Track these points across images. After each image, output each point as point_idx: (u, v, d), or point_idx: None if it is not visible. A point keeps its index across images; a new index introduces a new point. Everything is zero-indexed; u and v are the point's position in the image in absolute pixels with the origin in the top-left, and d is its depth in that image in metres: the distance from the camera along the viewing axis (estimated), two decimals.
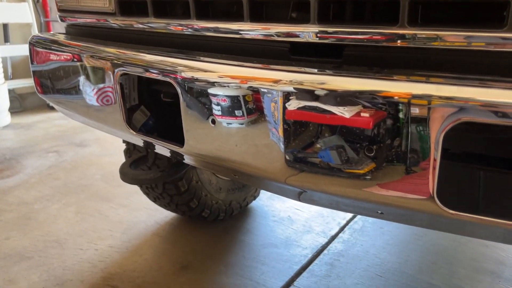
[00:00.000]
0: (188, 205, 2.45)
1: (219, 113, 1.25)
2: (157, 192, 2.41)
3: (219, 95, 1.24)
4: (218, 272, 2.26)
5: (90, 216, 2.84)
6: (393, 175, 1.01)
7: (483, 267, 2.38)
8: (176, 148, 1.28)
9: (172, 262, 2.34)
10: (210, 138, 1.25)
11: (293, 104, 1.13)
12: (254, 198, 2.92)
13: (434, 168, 0.93)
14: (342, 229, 2.73)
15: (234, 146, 1.26)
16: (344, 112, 1.04)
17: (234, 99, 1.20)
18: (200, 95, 1.24)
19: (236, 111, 1.21)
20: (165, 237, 2.59)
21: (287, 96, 1.09)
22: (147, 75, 1.30)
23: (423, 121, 0.93)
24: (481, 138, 1.00)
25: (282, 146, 1.13)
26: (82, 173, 3.55)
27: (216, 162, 1.33)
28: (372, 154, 1.01)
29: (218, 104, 1.24)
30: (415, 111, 0.94)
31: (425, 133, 0.94)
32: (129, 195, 3.08)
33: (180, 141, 1.26)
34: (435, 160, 0.93)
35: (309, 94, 1.05)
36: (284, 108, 1.10)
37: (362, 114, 1.01)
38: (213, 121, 1.19)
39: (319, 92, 1.03)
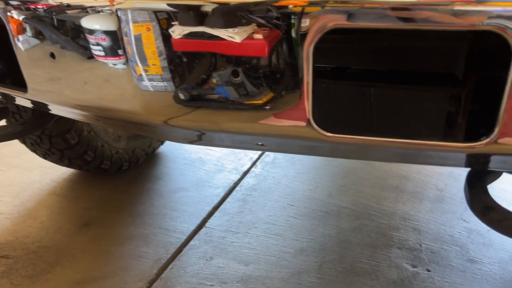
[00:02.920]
0: (83, 159, 2.23)
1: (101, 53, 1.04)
2: (44, 147, 2.15)
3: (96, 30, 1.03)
4: (125, 224, 2.12)
5: None
6: (287, 102, 0.90)
7: (388, 183, 2.48)
8: (20, 94, 1.06)
9: (72, 221, 2.15)
10: (56, 78, 1.05)
11: (177, 31, 0.95)
12: (162, 143, 2.76)
13: (307, 88, 0.83)
14: (254, 163, 2.68)
15: (95, 87, 1.07)
16: (235, 36, 0.89)
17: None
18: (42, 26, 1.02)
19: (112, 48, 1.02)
20: (64, 195, 2.37)
21: (168, 21, 0.91)
22: None
23: (303, 36, 0.81)
24: (354, 51, 0.91)
25: (170, 84, 0.97)
26: None
27: (84, 109, 1.14)
28: (269, 81, 0.88)
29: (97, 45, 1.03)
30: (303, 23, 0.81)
31: (301, 49, 0.82)
32: (20, 153, 2.75)
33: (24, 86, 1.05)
34: (307, 80, 0.82)
35: (192, 13, 0.88)
36: (167, 37, 0.92)
37: (255, 35, 0.86)
38: (53, 55, 0.98)
39: (204, 9, 0.86)
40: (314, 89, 0.81)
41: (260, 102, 0.91)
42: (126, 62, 0.99)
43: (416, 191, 2.40)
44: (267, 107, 0.90)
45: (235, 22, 0.86)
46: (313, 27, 0.76)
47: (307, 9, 0.78)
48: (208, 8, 0.87)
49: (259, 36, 0.84)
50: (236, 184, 2.47)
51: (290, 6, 0.80)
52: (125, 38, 0.97)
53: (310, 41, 0.76)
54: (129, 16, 0.97)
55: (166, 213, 2.20)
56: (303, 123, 0.88)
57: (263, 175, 2.56)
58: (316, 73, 0.81)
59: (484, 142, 0.77)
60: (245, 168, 2.63)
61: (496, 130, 0.76)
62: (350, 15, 0.73)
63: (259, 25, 0.86)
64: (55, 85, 1.15)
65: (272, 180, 2.51)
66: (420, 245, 1.99)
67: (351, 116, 0.92)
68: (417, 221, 2.15)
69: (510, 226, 0.92)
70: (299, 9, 0.79)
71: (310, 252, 1.94)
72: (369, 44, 0.88)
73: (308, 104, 0.83)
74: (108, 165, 2.37)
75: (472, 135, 0.84)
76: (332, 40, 0.83)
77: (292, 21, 0.81)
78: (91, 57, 1.11)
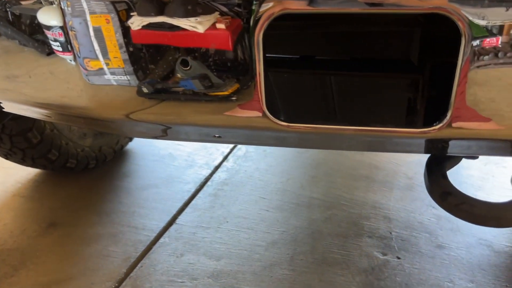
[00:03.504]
0: (47, 158, 2.16)
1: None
2: (5, 147, 2.07)
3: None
4: (91, 223, 2.07)
5: None
6: (249, 92, 0.88)
7: (359, 173, 2.49)
8: None
9: (37, 222, 2.09)
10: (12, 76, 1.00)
11: (136, 22, 0.91)
12: (130, 139, 2.70)
13: (259, 78, 0.81)
14: (225, 158, 2.66)
15: (55, 83, 1.02)
16: (197, 26, 0.85)
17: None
18: None
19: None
20: (29, 196, 2.29)
21: (127, 12, 0.87)
22: None
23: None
24: (308, 39, 0.89)
25: (133, 78, 0.93)
26: None
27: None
28: (233, 71, 0.85)
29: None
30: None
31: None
32: None
33: None
34: (259, 70, 0.80)
35: (151, 2, 0.85)
36: (127, 29, 0.88)
37: (218, 25, 0.83)
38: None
39: None
40: (267, 79, 0.79)
41: (225, 93, 0.88)
42: (74, 58, 0.95)
43: (386, 180, 2.41)
44: (233, 98, 0.87)
45: (197, 11, 0.83)
46: (263, 14, 0.74)
47: None
48: None
49: (221, 25, 0.81)
50: (207, 179, 2.43)
51: None
52: (71, 33, 0.93)
53: (259, 29, 0.74)
54: (85, 7, 0.93)
55: (134, 211, 2.16)
56: (259, 114, 0.86)
57: (235, 169, 2.53)
58: (270, 62, 0.79)
59: (437, 127, 0.76)
60: (216, 162, 2.60)
61: (449, 115, 0.75)
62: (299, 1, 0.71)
63: (222, 14, 0.83)
64: (11, 83, 1.10)
65: (244, 174, 2.49)
66: (390, 233, 2.00)
67: (306, 105, 0.90)
68: (388, 210, 2.16)
69: (467, 210, 0.92)
70: None
71: (281, 245, 1.93)
72: (324, 32, 0.86)
73: (261, 95, 0.81)
74: (74, 163, 2.30)
75: (429, 121, 0.83)
76: (285, 28, 0.81)
77: (253, 7, 0.78)
78: (50, 53, 1.06)
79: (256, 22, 0.75)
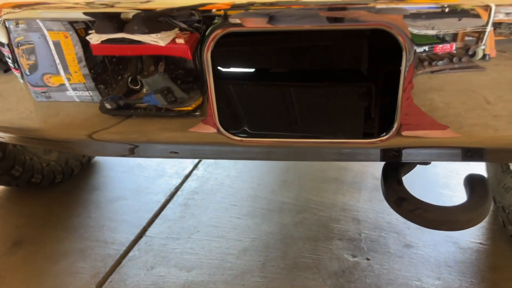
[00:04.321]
0: (10, 174, 2.10)
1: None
2: None
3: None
4: (59, 240, 2.02)
5: None
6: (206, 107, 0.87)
7: (328, 175, 2.52)
8: None
9: (1, 240, 2.03)
10: None
11: (95, 38, 0.90)
12: None
13: (211, 95, 0.81)
14: (196, 166, 2.64)
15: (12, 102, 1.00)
16: (159, 41, 0.85)
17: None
18: None
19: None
20: None
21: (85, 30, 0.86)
22: None
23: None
24: (259, 53, 0.90)
25: (96, 93, 0.91)
26: None
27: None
28: (196, 86, 0.85)
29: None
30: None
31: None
32: None
33: None
34: (210, 87, 0.80)
35: (109, 22, 0.83)
36: (87, 43, 0.87)
37: (177, 40, 0.82)
38: None
39: (124, 16, 0.81)
40: (219, 95, 0.79)
41: (189, 108, 0.88)
42: (21, 76, 0.93)
43: (355, 181, 2.45)
44: (196, 113, 0.87)
45: (158, 27, 0.82)
46: (209, 33, 0.74)
47: (230, 12, 0.76)
48: (129, 15, 0.82)
49: (181, 40, 0.81)
50: (177, 188, 2.42)
51: (213, 10, 0.77)
52: (16, 50, 0.91)
53: (207, 48, 0.74)
54: (42, 25, 0.91)
55: (103, 225, 2.12)
56: (214, 130, 0.86)
57: (205, 177, 2.52)
58: (223, 76, 0.79)
59: (384, 138, 0.78)
60: (186, 171, 2.58)
61: (395, 125, 0.77)
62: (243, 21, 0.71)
63: (181, 30, 0.83)
64: None
65: (215, 182, 2.48)
66: (360, 234, 2.03)
67: (259, 119, 0.91)
68: (357, 211, 2.19)
69: (421, 215, 0.94)
70: (222, 12, 0.77)
71: (253, 252, 1.93)
72: (274, 45, 0.87)
73: (214, 111, 0.81)
74: (40, 178, 2.25)
75: (382, 130, 0.85)
76: (234, 43, 0.81)
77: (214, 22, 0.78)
78: (7, 69, 1.03)
79: (205, 41, 0.75)
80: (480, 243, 1.96)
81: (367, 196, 2.31)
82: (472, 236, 1.99)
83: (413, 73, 0.74)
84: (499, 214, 2.01)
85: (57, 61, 0.96)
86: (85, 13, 0.82)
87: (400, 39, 0.70)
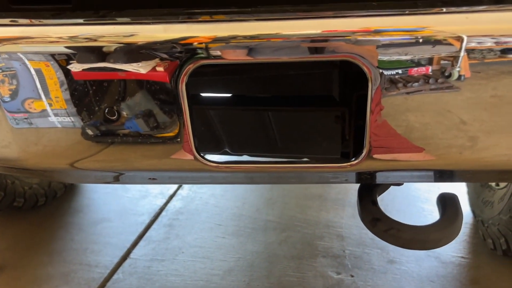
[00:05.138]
0: None
1: None
2: None
3: None
4: (42, 264, 2.00)
5: None
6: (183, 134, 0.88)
7: (312, 192, 2.54)
8: None
9: None
10: None
11: (76, 67, 0.91)
12: None
13: (187, 123, 0.83)
14: (180, 186, 2.64)
15: None
16: (140, 69, 0.86)
17: None
18: None
19: None
20: None
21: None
22: None
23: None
24: (235, 81, 0.93)
25: (77, 119, 0.92)
26: None
27: None
28: (176, 113, 0.86)
29: None
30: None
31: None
32: None
33: None
34: (185, 116, 0.82)
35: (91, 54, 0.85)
36: (68, 70, 0.88)
37: (157, 68, 0.84)
38: None
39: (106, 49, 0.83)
40: (194, 123, 0.81)
41: (171, 134, 0.89)
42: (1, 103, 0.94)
43: (338, 198, 2.47)
44: (175, 140, 0.88)
45: (140, 58, 0.84)
46: (184, 65, 0.77)
47: (211, 45, 0.78)
48: (111, 48, 0.84)
49: (161, 68, 0.83)
50: (162, 209, 2.41)
51: (195, 43, 0.80)
52: None
53: (182, 80, 0.77)
54: (22, 56, 0.92)
55: (87, 248, 2.10)
56: (190, 156, 0.87)
57: (190, 197, 2.52)
58: (196, 105, 0.81)
59: (354, 162, 0.80)
60: (171, 191, 2.58)
61: (365, 150, 0.80)
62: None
63: (162, 59, 0.85)
64: None
65: (200, 201, 2.48)
66: (344, 251, 2.05)
67: (234, 145, 0.93)
68: (340, 228, 2.21)
69: (395, 235, 0.97)
70: (203, 45, 0.79)
71: (238, 272, 1.93)
72: (248, 75, 0.90)
73: (190, 138, 0.83)
74: (22, 202, 2.23)
75: (353, 154, 0.87)
76: (209, 73, 0.84)
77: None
78: None
79: (180, 72, 0.78)
80: (462, 257, 1.99)
81: (351, 213, 2.33)
82: (453, 250, 2.02)
83: (380, 100, 0.77)
84: (479, 227, 2.05)
85: (39, 86, 0.97)
86: (67, 47, 0.83)
87: (365, 68, 0.73)
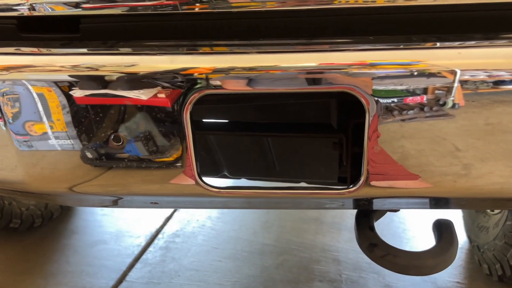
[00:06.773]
0: None
1: None
2: None
3: None
4: (37, 287, 1.98)
5: None
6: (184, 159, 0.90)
7: (309, 216, 2.55)
8: None
9: None
10: None
11: (79, 93, 0.94)
12: None
13: (190, 150, 0.85)
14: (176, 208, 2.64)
15: None
16: (141, 96, 0.89)
17: None
18: None
19: None
20: None
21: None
22: None
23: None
24: (235, 109, 0.96)
25: (77, 142, 0.94)
26: None
27: None
28: (176, 138, 0.88)
29: None
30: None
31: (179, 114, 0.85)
32: None
33: None
34: (189, 143, 0.85)
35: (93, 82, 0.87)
36: (69, 94, 0.90)
37: (159, 95, 0.87)
38: None
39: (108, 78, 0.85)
40: (197, 148, 0.83)
41: (170, 159, 0.91)
42: (4, 124, 0.95)
43: (334, 222, 2.48)
44: (177, 165, 0.89)
45: (141, 86, 0.87)
46: (188, 95, 0.79)
47: (211, 76, 0.81)
48: (113, 77, 0.87)
49: (162, 95, 0.85)
50: (158, 231, 2.41)
51: (195, 74, 0.82)
52: (1, 99, 0.93)
53: (186, 109, 0.79)
54: (26, 82, 0.95)
55: (82, 270, 2.09)
56: (192, 181, 0.89)
57: (187, 219, 2.52)
58: (200, 128, 0.84)
59: (352, 189, 0.82)
60: (167, 213, 2.58)
61: (363, 177, 0.82)
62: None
63: (163, 87, 0.87)
64: None
65: (196, 224, 2.48)
66: (340, 275, 2.04)
67: (236, 171, 0.95)
68: (337, 252, 2.21)
69: (391, 261, 0.98)
70: (203, 76, 0.82)
71: None
72: (249, 103, 0.92)
73: (193, 163, 0.85)
74: (18, 223, 2.22)
75: (351, 181, 0.90)
76: (212, 102, 0.87)
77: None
78: None
79: (184, 101, 0.80)
80: (458, 282, 1.99)
81: (347, 236, 2.34)
82: (449, 275, 2.03)
83: (377, 127, 0.79)
84: (475, 253, 2.06)
85: (40, 109, 0.99)
86: (70, 75, 0.86)
87: (362, 98, 0.76)
